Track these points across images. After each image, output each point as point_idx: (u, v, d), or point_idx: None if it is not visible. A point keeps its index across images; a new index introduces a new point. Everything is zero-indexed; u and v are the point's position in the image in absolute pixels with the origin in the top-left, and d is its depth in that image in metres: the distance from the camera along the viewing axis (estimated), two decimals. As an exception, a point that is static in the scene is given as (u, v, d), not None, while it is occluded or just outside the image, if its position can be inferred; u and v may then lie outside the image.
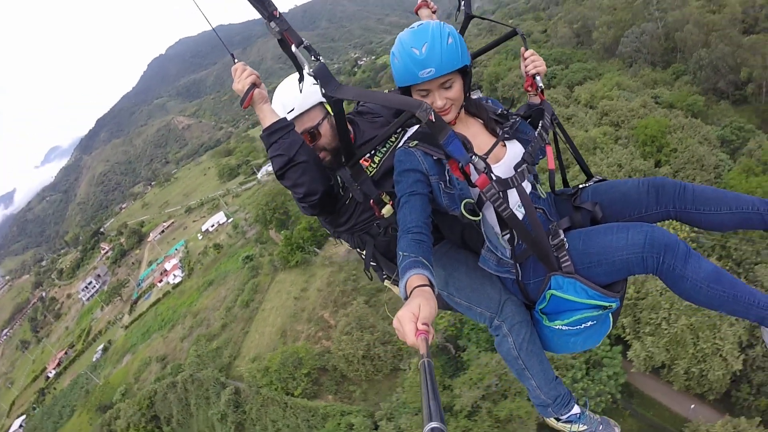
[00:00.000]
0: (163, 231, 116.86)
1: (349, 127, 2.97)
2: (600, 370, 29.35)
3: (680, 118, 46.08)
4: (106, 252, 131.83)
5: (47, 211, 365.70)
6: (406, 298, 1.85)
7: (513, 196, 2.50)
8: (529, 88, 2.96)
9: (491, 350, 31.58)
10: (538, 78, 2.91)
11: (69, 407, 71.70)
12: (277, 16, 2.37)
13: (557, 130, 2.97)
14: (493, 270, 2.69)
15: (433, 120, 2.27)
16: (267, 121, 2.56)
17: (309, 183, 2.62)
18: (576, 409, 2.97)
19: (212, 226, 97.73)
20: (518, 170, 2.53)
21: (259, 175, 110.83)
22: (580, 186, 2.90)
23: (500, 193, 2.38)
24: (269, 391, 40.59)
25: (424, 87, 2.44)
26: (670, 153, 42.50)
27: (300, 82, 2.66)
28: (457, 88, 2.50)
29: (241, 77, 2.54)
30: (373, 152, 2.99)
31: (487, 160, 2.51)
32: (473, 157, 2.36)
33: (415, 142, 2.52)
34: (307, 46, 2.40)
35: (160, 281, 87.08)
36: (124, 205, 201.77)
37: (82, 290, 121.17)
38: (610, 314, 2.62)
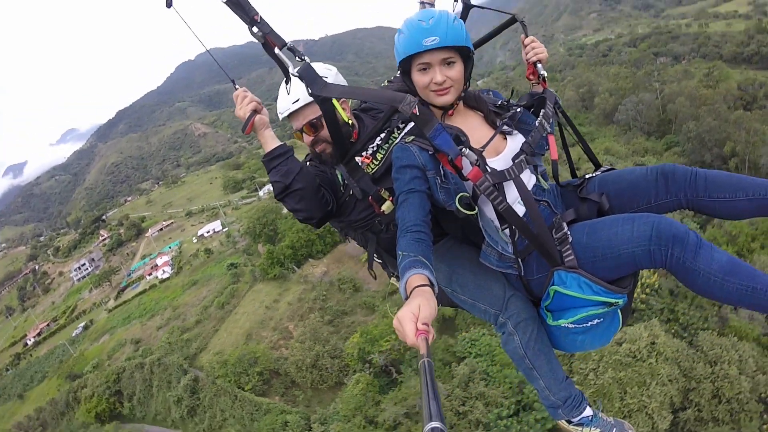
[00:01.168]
0: (161, 229, 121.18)
1: (355, 122, 3.01)
2: (529, 413, 29.69)
3: None
4: (104, 239, 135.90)
5: (54, 190, 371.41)
6: (407, 298, 1.83)
7: (511, 189, 2.42)
8: (531, 76, 2.91)
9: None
10: (539, 65, 2.84)
11: (41, 373, 75.52)
12: (258, 20, 2.36)
13: (561, 118, 2.86)
14: (494, 266, 2.63)
15: (417, 113, 2.25)
16: (268, 146, 2.62)
17: (306, 209, 2.69)
18: (588, 411, 2.83)
19: (208, 232, 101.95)
20: (516, 161, 2.43)
21: (260, 193, 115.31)
22: (587, 176, 2.77)
23: (495, 186, 2.30)
24: (223, 382, 44.53)
25: (426, 59, 2.37)
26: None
27: (287, 84, 2.74)
28: (458, 69, 2.43)
29: (243, 104, 2.58)
30: (375, 149, 2.98)
31: (486, 152, 2.46)
32: (463, 149, 2.30)
33: (411, 137, 2.48)
34: (291, 48, 2.41)
35: (150, 274, 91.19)
36: (129, 198, 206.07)
37: (75, 270, 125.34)
38: (618, 311, 2.50)
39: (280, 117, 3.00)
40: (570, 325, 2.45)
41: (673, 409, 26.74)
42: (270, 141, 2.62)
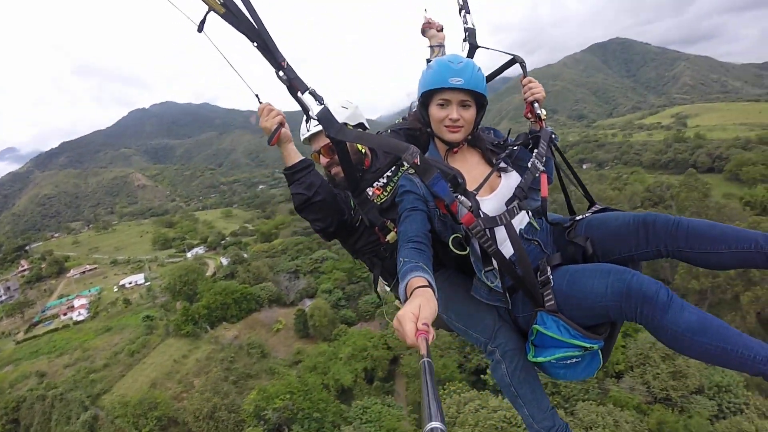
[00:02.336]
0: (84, 272, 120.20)
1: (368, 151, 3.26)
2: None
3: None
4: (24, 270, 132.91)
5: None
6: (406, 300, 1.87)
7: (501, 231, 2.53)
8: (529, 115, 3.00)
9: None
10: (536, 105, 2.94)
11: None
12: (285, 66, 2.52)
13: (557, 156, 2.98)
14: (485, 299, 2.76)
15: (419, 163, 2.36)
16: (291, 159, 2.80)
17: (324, 219, 2.89)
18: None
19: (130, 283, 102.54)
20: (509, 207, 2.57)
21: (188, 254, 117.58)
22: (577, 218, 2.85)
23: (486, 230, 2.41)
24: (122, 422, 46.18)
25: (447, 96, 2.59)
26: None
27: (306, 123, 2.98)
28: (472, 113, 2.65)
29: (269, 116, 2.75)
30: (386, 182, 3.19)
31: (481, 190, 2.65)
32: (459, 196, 2.40)
33: (414, 171, 2.54)
34: (312, 92, 2.57)
35: (65, 314, 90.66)
36: (56, 234, 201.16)
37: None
38: (599, 352, 2.58)
39: (302, 138, 3.14)
40: (553, 361, 2.55)
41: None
42: (293, 154, 2.82)
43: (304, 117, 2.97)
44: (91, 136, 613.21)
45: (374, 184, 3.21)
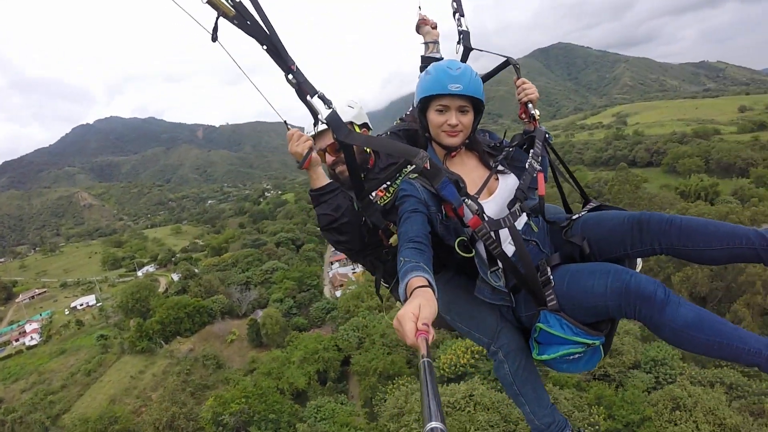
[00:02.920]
0: (33, 296, 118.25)
1: (372, 153, 3.27)
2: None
3: None
4: None
5: None
6: (406, 300, 1.87)
7: (504, 234, 2.62)
8: (523, 115, 3.05)
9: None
10: (530, 105, 3.00)
11: None
12: (294, 69, 2.53)
13: (552, 155, 3.05)
14: (488, 298, 2.78)
15: (429, 167, 2.42)
16: (319, 182, 2.86)
17: (348, 241, 2.98)
18: None
19: (81, 305, 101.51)
20: (511, 210, 2.65)
21: (139, 273, 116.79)
22: (573, 217, 2.88)
23: (492, 233, 2.48)
24: None
25: (445, 102, 2.65)
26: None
27: (315, 126, 2.99)
28: (470, 117, 2.72)
29: (299, 142, 2.77)
30: (389, 184, 3.19)
31: (481, 194, 2.69)
32: (465, 199, 2.47)
33: (415, 175, 2.61)
34: (321, 96, 2.58)
35: (17, 340, 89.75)
36: (2, 260, 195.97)
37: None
38: (600, 346, 2.65)
39: (308, 135, 3.04)
40: (557, 357, 2.61)
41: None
42: (321, 177, 2.87)
43: (311, 123, 3.04)
44: (33, 155, 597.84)
45: (378, 187, 3.21)
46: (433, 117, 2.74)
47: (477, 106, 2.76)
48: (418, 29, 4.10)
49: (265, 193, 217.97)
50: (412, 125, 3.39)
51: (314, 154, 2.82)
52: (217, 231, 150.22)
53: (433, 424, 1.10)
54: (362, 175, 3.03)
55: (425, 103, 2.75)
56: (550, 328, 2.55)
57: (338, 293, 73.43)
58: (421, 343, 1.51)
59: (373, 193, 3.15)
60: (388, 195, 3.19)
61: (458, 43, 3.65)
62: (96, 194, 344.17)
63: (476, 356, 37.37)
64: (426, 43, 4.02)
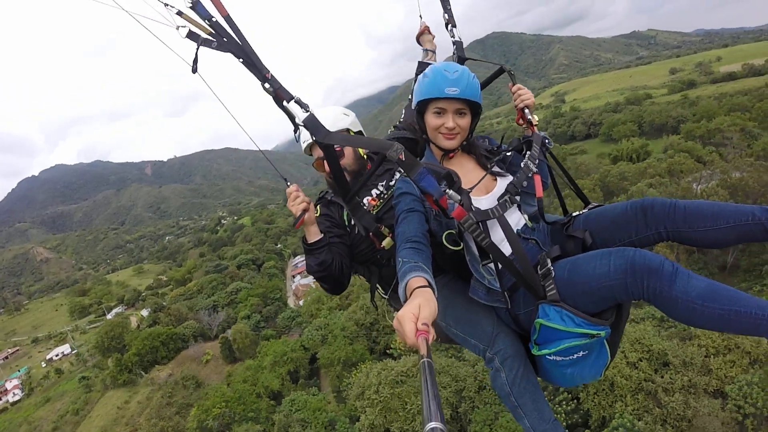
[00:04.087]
0: (6, 357, 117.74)
1: (368, 159, 3.31)
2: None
3: None
4: None
5: None
6: (405, 300, 1.87)
7: (496, 229, 2.51)
8: (520, 121, 3.03)
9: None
10: (526, 111, 2.97)
11: None
12: (269, 77, 2.55)
13: (550, 159, 2.97)
14: (483, 300, 2.70)
15: (403, 159, 2.31)
16: (311, 237, 2.92)
17: (332, 289, 3.10)
18: None
19: (57, 355, 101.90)
20: (500, 201, 2.61)
21: (109, 315, 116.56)
22: (573, 214, 2.84)
23: (479, 224, 2.36)
24: None
25: (442, 105, 2.66)
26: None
27: (295, 132, 3.00)
28: (467, 121, 2.71)
29: (295, 202, 2.82)
30: (380, 192, 3.22)
31: (476, 190, 2.66)
32: (447, 190, 2.32)
33: None
34: (298, 101, 2.57)
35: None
36: None
37: None
38: (605, 344, 2.50)
39: (303, 146, 3.14)
40: (557, 358, 2.46)
41: (452, 407, 30.90)
42: (314, 234, 2.93)
43: (294, 132, 3.06)
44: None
45: (372, 193, 3.22)
46: (431, 119, 2.74)
47: (474, 108, 2.75)
48: (419, 38, 4.11)
49: (222, 221, 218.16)
50: (406, 133, 3.27)
51: (308, 215, 2.86)
52: (179, 265, 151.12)
53: (433, 424, 1.10)
54: (359, 180, 3.11)
55: (423, 105, 2.76)
56: (550, 322, 2.39)
57: (302, 302, 77.23)
58: (421, 343, 1.50)
59: (365, 200, 3.17)
60: (381, 201, 3.18)
61: (453, 54, 3.72)
62: (51, 247, 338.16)
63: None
64: (425, 50, 4.04)
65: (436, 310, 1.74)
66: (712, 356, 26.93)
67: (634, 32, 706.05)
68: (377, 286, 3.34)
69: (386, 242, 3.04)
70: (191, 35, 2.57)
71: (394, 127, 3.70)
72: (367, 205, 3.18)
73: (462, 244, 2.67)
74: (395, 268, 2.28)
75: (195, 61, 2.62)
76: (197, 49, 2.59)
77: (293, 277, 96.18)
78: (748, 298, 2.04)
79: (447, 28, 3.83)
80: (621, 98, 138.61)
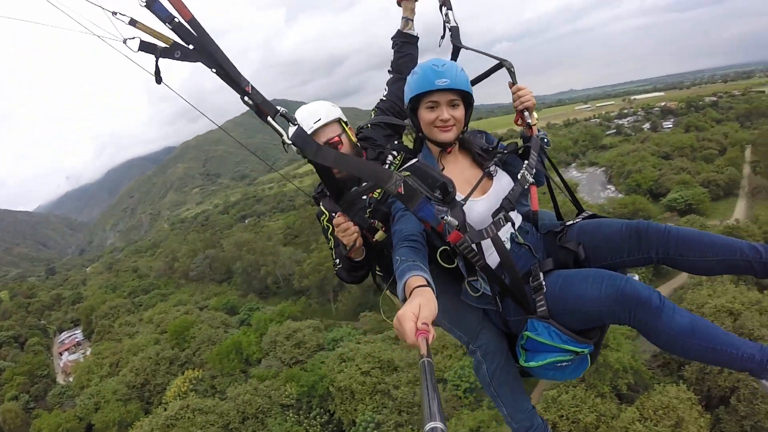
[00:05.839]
0: None
1: (363, 149, 3.32)
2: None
3: (212, 313, 66.59)
4: None
5: None
6: (404, 300, 1.88)
7: (487, 243, 2.53)
8: (519, 122, 3.01)
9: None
10: (526, 113, 2.94)
11: None
12: (250, 91, 2.39)
13: (547, 164, 3.01)
14: (474, 302, 2.77)
15: (402, 192, 2.34)
16: (357, 257, 2.99)
17: (353, 283, 3.33)
18: None
19: None
20: (495, 218, 2.58)
21: None
22: (567, 223, 2.84)
23: (474, 245, 2.41)
24: None
25: (435, 98, 2.66)
26: (191, 339, 57.71)
27: (284, 146, 2.70)
28: (461, 112, 2.73)
29: (346, 234, 2.82)
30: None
31: (473, 193, 2.69)
32: (445, 216, 2.37)
33: (407, 173, 2.57)
34: (284, 114, 2.47)
35: None
36: None
37: None
38: (588, 356, 2.59)
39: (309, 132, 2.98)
40: (544, 365, 2.57)
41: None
42: (360, 254, 2.99)
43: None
44: None
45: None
46: (425, 114, 2.74)
47: (466, 99, 2.76)
48: (399, 2, 3.75)
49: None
50: (389, 118, 3.43)
51: (359, 241, 2.88)
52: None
53: (434, 423, 1.10)
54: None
55: (415, 102, 2.76)
56: (538, 336, 2.50)
57: (71, 379, 73.68)
58: (421, 342, 1.51)
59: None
60: (376, 195, 3.16)
61: (442, 37, 3.50)
62: None
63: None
64: (405, 18, 3.73)
65: (436, 310, 1.78)
66: (433, 355, 38.07)
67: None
68: (378, 272, 3.42)
69: (378, 235, 2.99)
70: (145, 46, 2.30)
71: (376, 107, 3.64)
72: (367, 197, 3.13)
73: (456, 261, 2.67)
74: (388, 257, 2.58)
75: (157, 72, 2.37)
76: (156, 61, 2.34)
77: (60, 354, 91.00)
78: (725, 335, 2.22)
79: (441, 10, 3.51)
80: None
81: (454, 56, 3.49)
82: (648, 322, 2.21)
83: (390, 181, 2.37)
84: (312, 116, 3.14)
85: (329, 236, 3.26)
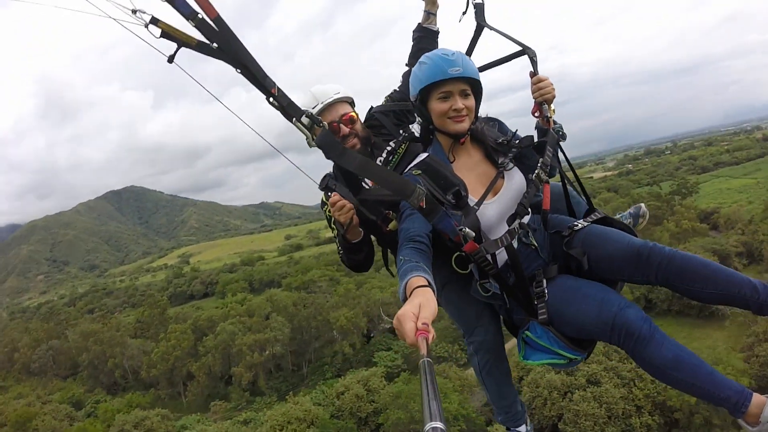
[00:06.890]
0: None
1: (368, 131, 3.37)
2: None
3: (56, 405, 61.68)
4: None
5: None
6: (405, 300, 1.88)
7: (501, 253, 2.58)
8: (537, 114, 2.96)
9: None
10: (545, 106, 2.91)
11: None
12: (276, 93, 2.42)
13: (562, 157, 3.00)
14: (482, 298, 2.85)
15: (424, 206, 2.36)
16: (355, 238, 3.04)
17: (355, 270, 3.42)
18: (523, 429, 3.30)
19: None
20: (511, 226, 2.58)
21: None
22: (575, 228, 2.80)
23: (488, 256, 2.44)
24: None
25: (447, 88, 2.62)
26: None
27: (311, 146, 2.85)
28: (472, 101, 2.70)
29: (342, 212, 2.81)
30: (384, 157, 3.27)
31: (486, 195, 2.68)
32: (462, 228, 2.37)
33: (419, 171, 2.62)
34: (310, 116, 2.54)
35: None
36: None
37: None
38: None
39: (314, 110, 3.04)
40: (540, 364, 2.72)
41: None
42: (357, 235, 3.03)
43: (324, 84, 3.14)
44: None
45: (378, 161, 3.24)
46: (436, 105, 2.69)
47: (476, 88, 2.74)
48: None
49: None
50: (401, 106, 3.44)
51: (355, 219, 2.89)
52: None
53: (434, 423, 1.08)
54: (370, 150, 3.25)
55: (426, 93, 2.70)
56: (538, 339, 2.60)
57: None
58: (421, 342, 1.51)
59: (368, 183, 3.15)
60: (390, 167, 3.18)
61: (464, 13, 3.46)
62: None
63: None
64: (427, 12, 3.68)
65: (436, 310, 1.77)
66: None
67: (263, 203, 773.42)
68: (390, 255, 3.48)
69: (392, 225, 2.99)
70: (169, 36, 2.32)
71: (389, 96, 3.65)
72: (369, 185, 3.16)
73: (469, 267, 2.70)
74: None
75: (172, 56, 2.39)
76: (176, 50, 2.37)
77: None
78: (708, 374, 2.29)
79: None
80: (237, 260, 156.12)
81: (477, 35, 3.53)
82: (636, 351, 2.34)
83: (413, 195, 2.39)
84: (332, 89, 3.23)
85: (332, 225, 3.22)
